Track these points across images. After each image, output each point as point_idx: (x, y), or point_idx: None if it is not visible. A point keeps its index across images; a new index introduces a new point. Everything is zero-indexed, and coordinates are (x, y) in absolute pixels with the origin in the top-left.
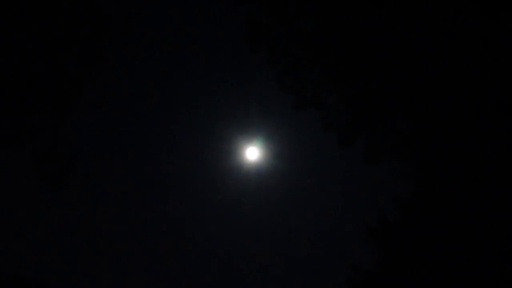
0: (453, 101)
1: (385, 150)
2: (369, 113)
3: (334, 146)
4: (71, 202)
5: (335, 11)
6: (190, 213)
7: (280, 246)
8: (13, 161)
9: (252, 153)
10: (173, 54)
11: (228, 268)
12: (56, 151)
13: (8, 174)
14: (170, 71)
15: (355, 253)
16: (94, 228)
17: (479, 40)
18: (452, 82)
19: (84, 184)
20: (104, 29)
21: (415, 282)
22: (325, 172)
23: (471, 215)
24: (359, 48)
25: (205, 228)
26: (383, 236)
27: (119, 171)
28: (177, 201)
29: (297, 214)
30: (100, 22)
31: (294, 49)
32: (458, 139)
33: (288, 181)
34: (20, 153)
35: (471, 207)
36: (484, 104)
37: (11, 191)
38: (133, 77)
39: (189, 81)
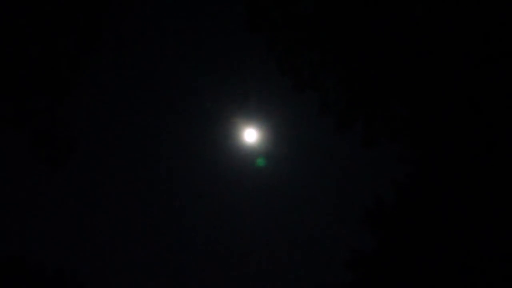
0: (452, 85)
1: (383, 133)
2: (367, 96)
3: (332, 129)
4: (70, 183)
5: None
6: (188, 194)
7: (277, 228)
8: (11, 143)
9: (250, 135)
10: (171, 35)
11: (226, 250)
12: (55, 132)
13: (6, 155)
14: (169, 53)
15: (352, 236)
16: (92, 208)
17: (479, 24)
18: (452, 66)
19: (83, 165)
20: (103, 9)
21: (412, 264)
22: (322, 155)
23: (469, 199)
24: (358, 30)
25: (203, 209)
26: (380, 219)
27: (117, 152)
28: (175, 183)
29: (294, 197)
30: (98, 2)
31: (293, 31)
32: (456, 122)
33: (286, 164)
34: (18, 135)
35: (469, 190)
36: (484, 87)
37: (10, 172)
38: (131, 57)
39: (188, 63)
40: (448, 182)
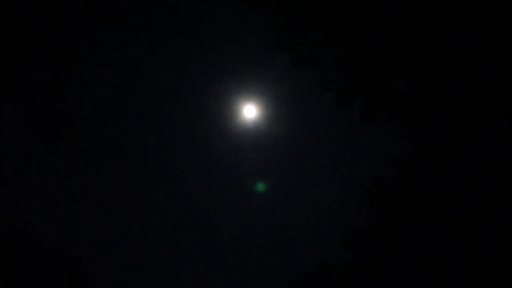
0: (452, 64)
1: (383, 111)
2: (367, 73)
3: (331, 106)
4: (67, 158)
5: None
6: (187, 170)
7: (275, 206)
8: (11, 116)
9: (250, 111)
10: (172, 12)
11: (224, 223)
12: (54, 106)
13: (6, 129)
14: (168, 29)
15: (350, 213)
16: (91, 183)
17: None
18: (452, 45)
19: (81, 139)
20: None
21: (409, 240)
22: (321, 132)
23: (467, 177)
24: (358, 8)
25: (203, 183)
26: (378, 197)
27: (116, 126)
28: (174, 158)
29: (293, 174)
30: None
31: (294, 8)
32: (455, 101)
33: (285, 141)
34: (18, 109)
35: (467, 169)
36: (483, 67)
37: (10, 146)
38: (132, 33)
39: (188, 41)
40: (447, 160)
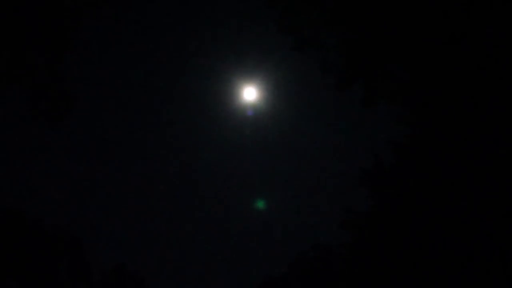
0: (453, 48)
1: (383, 94)
2: (368, 56)
3: (331, 89)
4: (68, 139)
5: None
6: (189, 153)
7: (273, 187)
8: (11, 97)
9: (250, 93)
10: None
11: (223, 201)
12: (54, 87)
13: (5, 110)
14: (169, 11)
15: (350, 196)
16: (91, 164)
17: None
18: (453, 29)
19: (81, 121)
20: None
21: (409, 224)
22: (321, 115)
23: (467, 160)
24: None
25: (203, 167)
26: (378, 180)
27: (115, 107)
28: (176, 143)
29: (293, 157)
30: None
31: None
32: (455, 85)
33: (285, 123)
34: (18, 89)
35: (467, 152)
36: (485, 51)
37: (10, 128)
38: (133, 12)
39: (188, 22)
40: (447, 143)
